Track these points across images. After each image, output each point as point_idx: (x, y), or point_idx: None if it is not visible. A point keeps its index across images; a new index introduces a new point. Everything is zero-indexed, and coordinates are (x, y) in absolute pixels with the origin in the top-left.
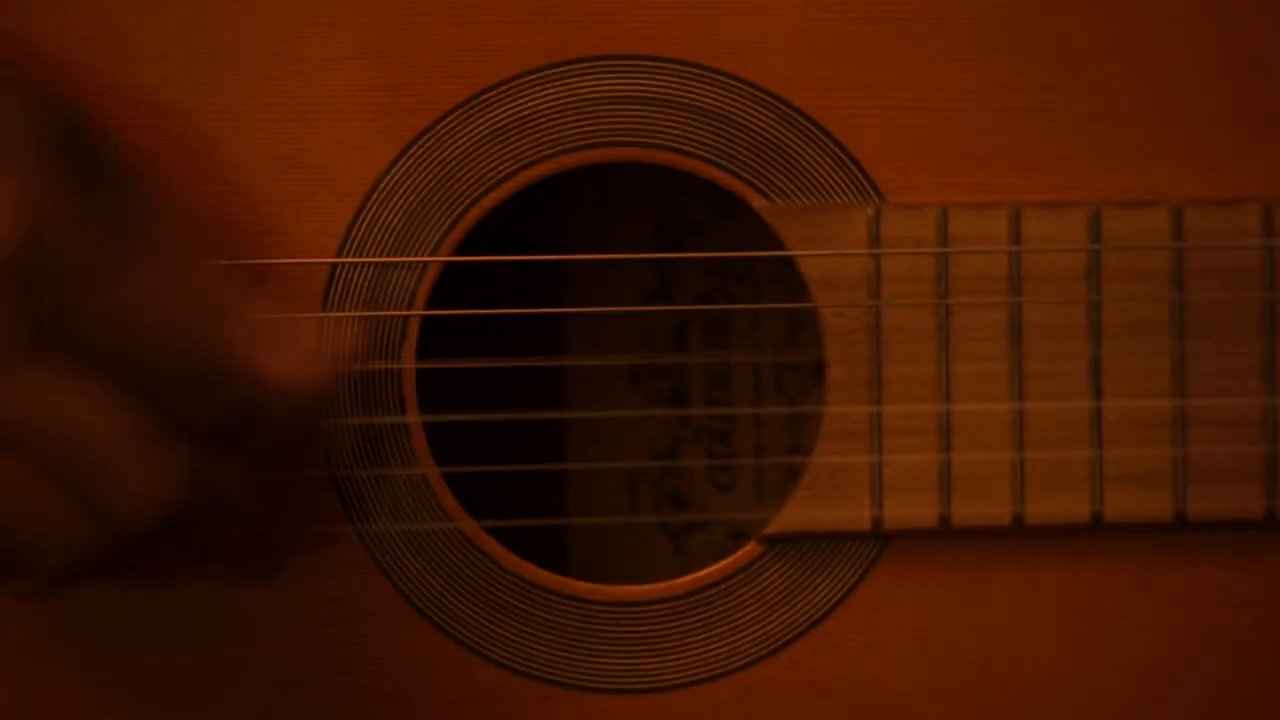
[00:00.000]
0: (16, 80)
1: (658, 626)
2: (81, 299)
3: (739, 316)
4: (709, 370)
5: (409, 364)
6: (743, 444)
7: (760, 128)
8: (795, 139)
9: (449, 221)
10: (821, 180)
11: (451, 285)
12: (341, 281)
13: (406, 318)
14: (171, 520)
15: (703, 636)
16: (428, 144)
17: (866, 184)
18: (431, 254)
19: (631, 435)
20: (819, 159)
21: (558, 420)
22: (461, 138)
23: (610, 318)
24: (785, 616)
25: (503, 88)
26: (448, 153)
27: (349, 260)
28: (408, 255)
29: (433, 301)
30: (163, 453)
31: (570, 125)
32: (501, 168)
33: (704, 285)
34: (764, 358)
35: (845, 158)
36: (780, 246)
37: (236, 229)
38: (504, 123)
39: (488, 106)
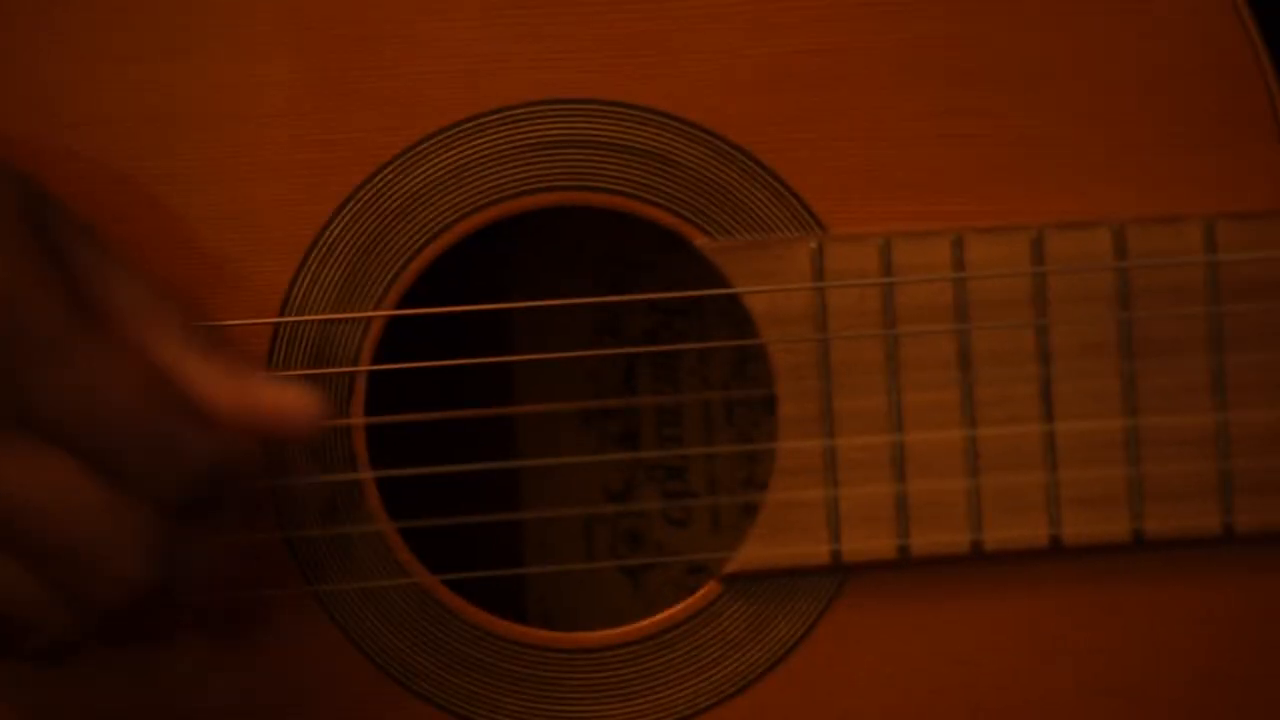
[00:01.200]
0: None
1: (621, 671)
2: (43, 374)
3: (687, 353)
4: (659, 409)
5: (358, 420)
6: (697, 479)
7: (698, 165)
8: (733, 175)
9: (390, 275)
10: (762, 215)
11: (397, 339)
12: (285, 341)
13: (353, 374)
14: (147, 593)
15: (668, 679)
16: (365, 198)
17: (807, 216)
18: (375, 308)
19: (585, 478)
20: (758, 193)
21: (510, 477)
22: (399, 190)
23: (559, 362)
24: (749, 655)
25: (438, 138)
26: (385, 206)
27: (291, 319)
28: (351, 311)
29: (379, 357)
30: (132, 527)
31: (507, 172)
32: (440, 218)
33: (650, 323)
34: (714, 395)
35: (784, 190)
36: (724, 283)
37: (187, 293)
38: (440, 174)
39: (423, 157)
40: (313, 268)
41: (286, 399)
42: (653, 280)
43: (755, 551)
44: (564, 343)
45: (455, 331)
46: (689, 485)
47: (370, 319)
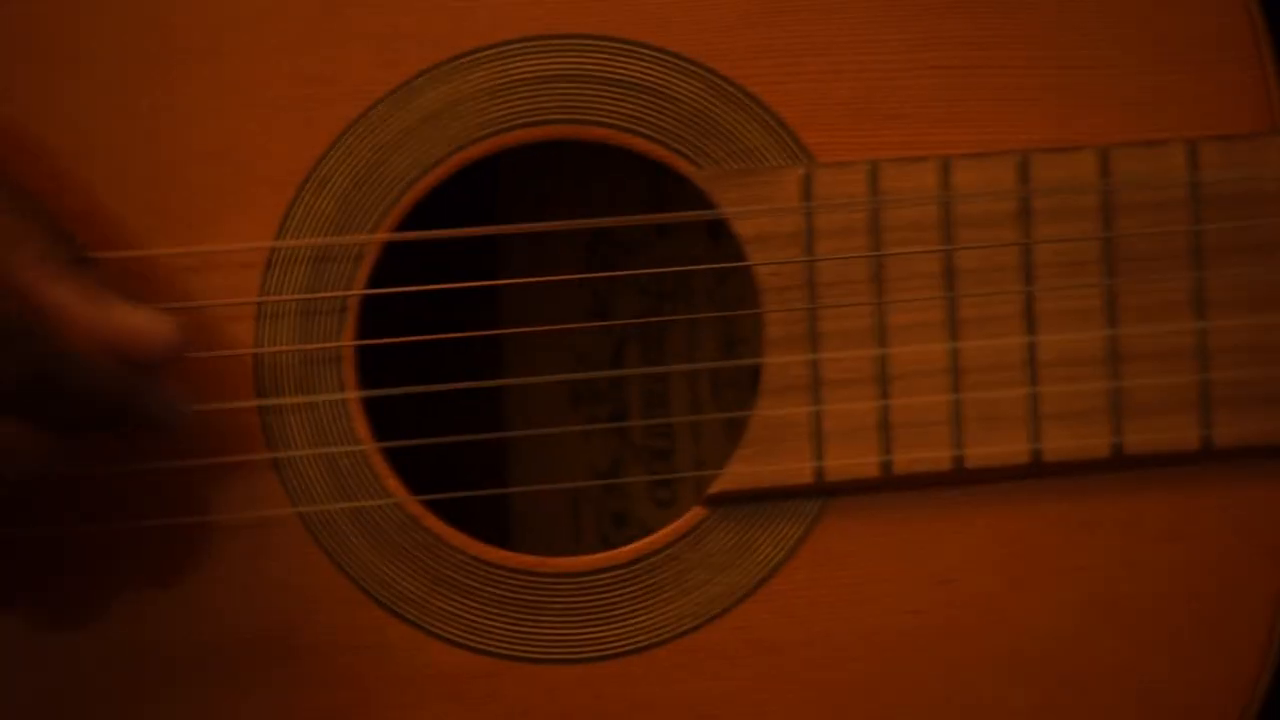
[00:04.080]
0: None
1: (604, 595)
2: None
3: (676, 334)
4: (647, 390)
5: (347, 343)
6: (683, 461)
7: (689, 98)
8: (724, 107)
9: (384, 206)
10: (753, 147)
11: (388, 281)
12: (279, 269)
13: (345, 301)
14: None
15: (649, 602)
16: (360, 131)
17: (796, 147)
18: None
19: (573, 458)
20: (749, 126)
21: (499, 444)
22: (393, 124)
23: (548, 342)
24: (731, 577)
25: (432, 72)
26: (380, 139)
27: (286, 244)
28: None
29: (370, 289)
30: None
31: (502, 106)
32: (434, 151)
33: (640, 305)
34: (703, 364)
35: (774, 123)
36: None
37: (184, 221)
38: (435, 107)
39: (418, 92)
40: (307, 199)
41: (139, 321)
42: (639, 265)
43: (740, 471)
44: (554, 323)
45: (445, 295)
46: (674, 467)
47: (363, 247)
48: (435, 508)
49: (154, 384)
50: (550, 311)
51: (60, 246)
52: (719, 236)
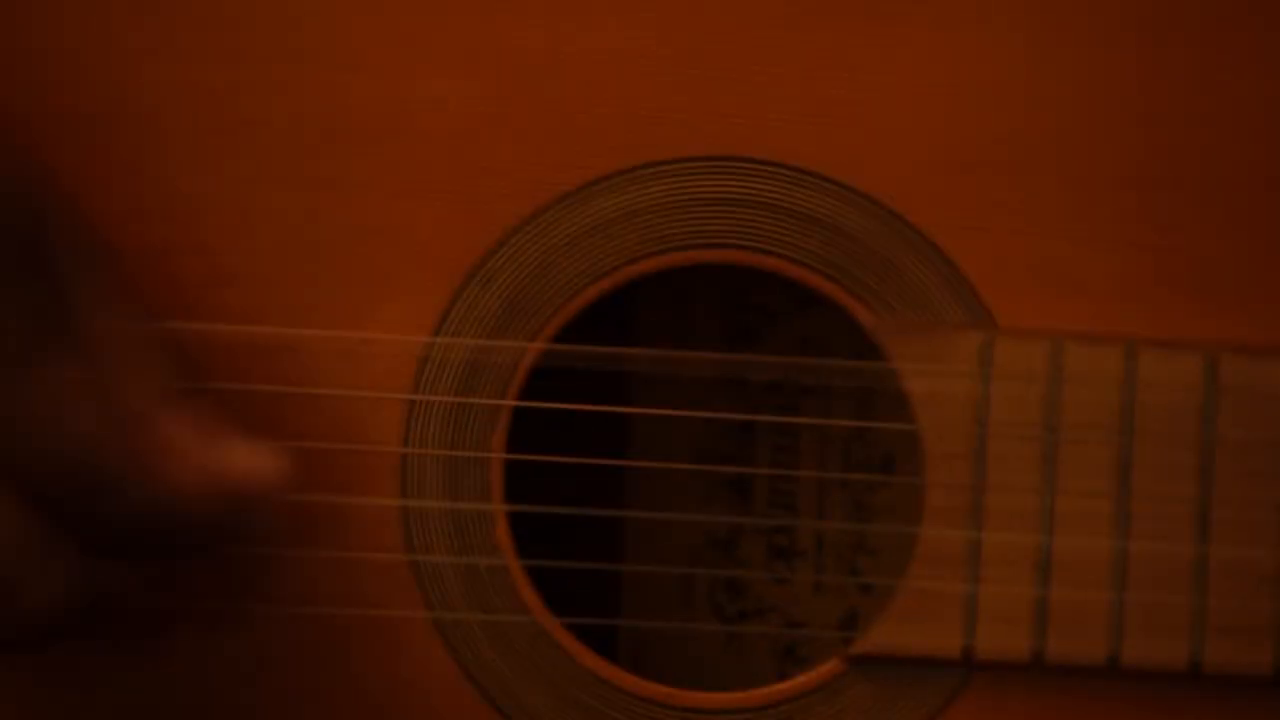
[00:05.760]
0: None
1: None
2: None
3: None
4: (774, 458)
5: (497, 454)
6: (804, 537)
7: (870, 240)
8: (907, 255)
9: (550, 310)
10: (930, 298)
11: (533, 378)
12: (436, 364)
13: (499, 407)
14: (72, 619)
15: None
16: (531, 231)
17: (977, 304)
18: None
19: (690, 522)
20: (929, 277)
21: (615, 525)
22: (566, 227)
23: (677, 403)
24: None
25: (612, 179)
26: (551, 241)
27: (444, 341)
28: (505, 341)
29: (523, 393)
30: (46, 566)
31: (677, 223)
32: (605, 261)
33: (775, 387)
34: (853, 477)
35: (956, 276)
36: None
37: (343, 303)
38: (610, 215)
39: (595, 197)
40: (471, 294)
41: (249, 460)
42: (779, 334)
43: (886, 635)
44: (686, 393)
45: (581, 377)
46: (795, 542)
47: (523, 352)
48: (548, 573)
49: (250, 518)
50: (681, 386)
51: (177, 375)
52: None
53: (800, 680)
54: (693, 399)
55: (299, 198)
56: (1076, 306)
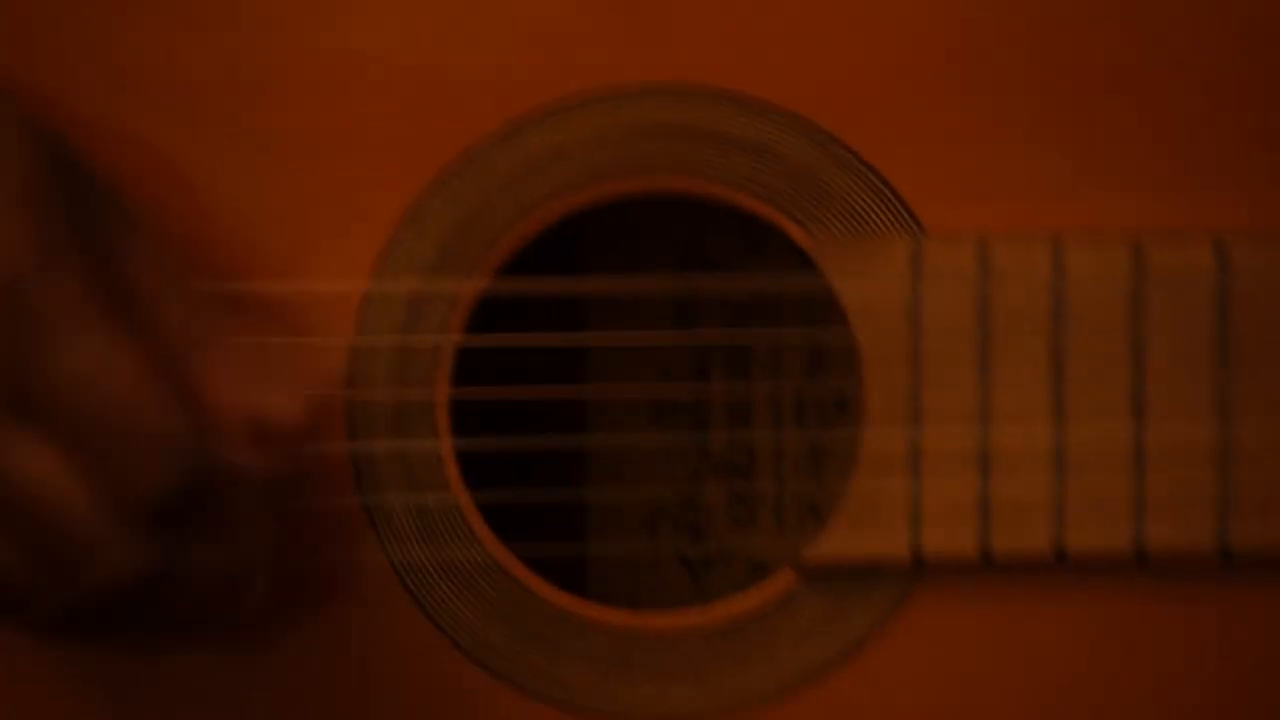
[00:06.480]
0: (8, 115)
1: (692, 657)
2: (41, 357)
3: (761, 354)
4: (730, 407)
5: (442, 391)
6: (764, 480)
7: (797, 158)
8: (833, 169)
9: (483, 250)
10: (861, 212)
11: (480, 315)
12: (375, 308)
13: (437, 345)
14: (147, 583)
15: (737, 667)
16: (461, 173)
17: (906, 215)
18: (467, 282)
19: (650, 470)
20: (859, 191)
21: (578, 454)
22: (496, 166)
23: (632, 354)
24: (820, 647)
25: (539, 115)
26: (482, 182)
27: (382, 288)
28: (442, 283)
29: (466, 330)
30: (124, 523)
31: (607, 154)
32: (536, 196)
33: (725, 320)
34: (790, 385)
35: (885, 189)
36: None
37: (279, 258)
38: (538, 153)
39: (524, 134)
40: (405, 239)
41: (294, 408)
42: (731, 281)
43: (836, 541)
44: (639, 333)
45: (535, 314)
46: (755, 486)
47: (458, 292)
48: (512, 511)
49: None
50: (635, 322)
51: (220, 330)
52: (809, 261)
53: (754, 596)
54: (647, 359)
55: (234, 160)
56: (1004, 207)
